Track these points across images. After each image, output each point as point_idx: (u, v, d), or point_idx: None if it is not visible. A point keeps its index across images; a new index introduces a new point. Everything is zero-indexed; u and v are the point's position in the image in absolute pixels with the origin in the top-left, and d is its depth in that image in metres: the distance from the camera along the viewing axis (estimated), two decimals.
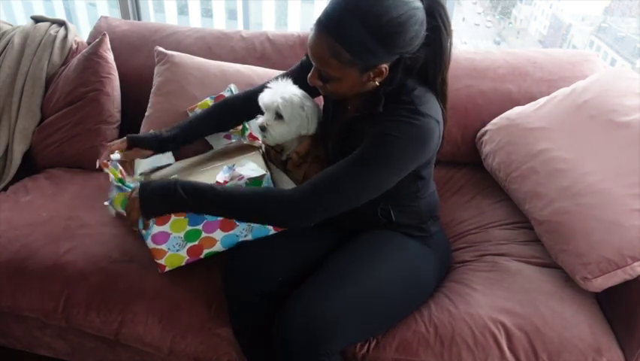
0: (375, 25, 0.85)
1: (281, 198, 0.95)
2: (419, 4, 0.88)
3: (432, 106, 0.95)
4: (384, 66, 0.91)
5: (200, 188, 0.96)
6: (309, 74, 0.97)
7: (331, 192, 0.93)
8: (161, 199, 0.95)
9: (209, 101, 1.41)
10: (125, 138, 1.15)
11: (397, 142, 0.91)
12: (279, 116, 1.10)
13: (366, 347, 1.02)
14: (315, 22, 0.90)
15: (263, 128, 1.12)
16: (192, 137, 1.21)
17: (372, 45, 0.86)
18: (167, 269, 1.08)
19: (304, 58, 1.16)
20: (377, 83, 0.94)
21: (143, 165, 1.20)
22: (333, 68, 0.91)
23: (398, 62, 0.93)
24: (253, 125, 1.23)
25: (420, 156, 0.96)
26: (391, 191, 0.96)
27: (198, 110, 1.37)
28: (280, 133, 1.12)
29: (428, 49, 0.93)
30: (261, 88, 1.15)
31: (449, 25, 0.94)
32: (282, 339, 0.92)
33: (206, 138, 1.31)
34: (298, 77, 1.13)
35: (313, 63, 0.94)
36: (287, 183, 1.11)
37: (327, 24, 0.88)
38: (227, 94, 1.42)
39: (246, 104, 1.20)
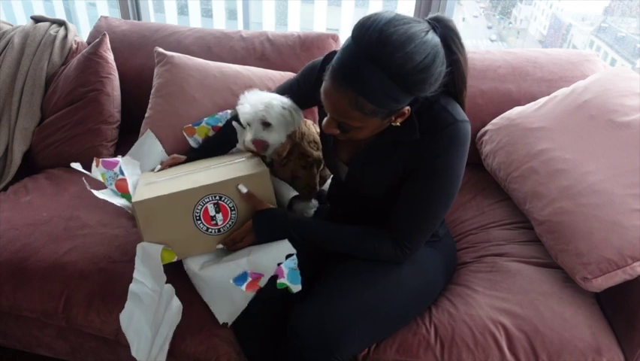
0: (400, 74, 0.79)
1: (389, 252, 1.01)
2: (437, 40, 0.82)
3: (456, 106, 0.94)
4: (407, 108, 0.88)
5: (311, 229, 1.05)
6: (325, 123, 0.92)
7: (426, 231, 1.00)
8: (273, 233, 1.04)
9: (205, 128, 1.40)
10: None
11: (457, 161, 0.94)
12: (266, 124, 1.09)
13: (366, 348, 1.02)
14: (329, 72, 0.84)
15: (260, 143, 1.10)
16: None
17: (397, 94, 0.81)
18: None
19: (298, 76, 1.16)
20: (398, 123, 0.91)
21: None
22: (354, 120, 0.86)
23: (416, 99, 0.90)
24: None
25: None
26: None
27: (198, 137, 1.41)
28: (274, 141, 1.11)
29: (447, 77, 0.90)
30: None
31: (464, 51, 0.91)
32: (293, 346, 0.91)
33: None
34: (296, 94, 1.14)
35: (330, 115, 0.90)
36: (287, 189, 1.12)
37: (345, 75, 0.81)
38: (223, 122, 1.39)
39: None
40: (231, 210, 1.05)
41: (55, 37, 1.69)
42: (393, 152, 0.97)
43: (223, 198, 1.04)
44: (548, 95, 1.39)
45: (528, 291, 1.08)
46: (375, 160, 1.01)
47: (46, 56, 1.66)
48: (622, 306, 1.05)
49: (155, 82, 1.52)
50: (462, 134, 0.92)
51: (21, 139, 1.60)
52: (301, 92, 1.13)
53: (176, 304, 1.06)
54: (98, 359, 1.28)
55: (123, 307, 1.12)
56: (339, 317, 0.93)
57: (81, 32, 1.86)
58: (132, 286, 1.05)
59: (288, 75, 1.52)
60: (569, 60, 1.53)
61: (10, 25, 1.80)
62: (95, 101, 1.57)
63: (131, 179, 1.17)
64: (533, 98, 1.43)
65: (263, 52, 1.64)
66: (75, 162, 1.57)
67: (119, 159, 1.19)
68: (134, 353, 1.04)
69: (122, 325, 1.05)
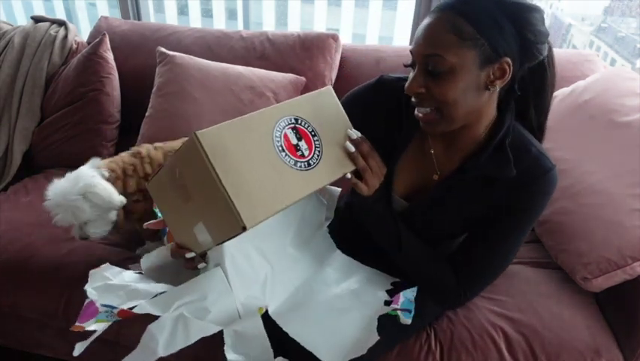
0: (508, 2, 0.72)
1: (449, 290, 0.90)
2: None
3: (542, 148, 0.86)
4: (508, 60, 0.74)
5: (399, 240, 0.89)
6: (409, 83, 0.78)
7: (492, 279, 0.91)
8: (374, 219, 0.89)
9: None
10: None
11: (544, 207, 0.86)
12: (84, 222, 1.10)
13: None
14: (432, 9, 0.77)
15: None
16: None
17: (502, 21, 0.72)
18: None
19: None
20: (497, 87, 0.76)
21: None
22: (449, 49, 0.72)
23: (517, 71, 0.78)
24: None
25: None
26: None
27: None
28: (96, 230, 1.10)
29: (529, 87, 0.83)
30: None
31: (553, 67, 0.85)
32: None
33: None
34: None
35: (420, 54, 0.76)
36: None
37: (449, 2, 0.74)
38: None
39: None
40: (313, 137, 0.83)
41: (55, 37, 1.69)
42: (479, 190, 0.85)
43: (300, 122, 0.82)
44: None
45: (526, 293, 1.08)
46: (453, 197, 0.88)
47: (46, 56, 1.66)
48: (621, 306, 1.05)
49: (157, 81, 1.52)
50: (556, 180, 0.85)
51: (21, 139, 1.61)
52: None
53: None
54: (98, 359, 1.28)
55: None
56: None
57: (81, 32, 1.86)
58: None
59: (290, 77, 1.52)
60: (569, 60, 1.53)
61: (10, 25, 1.80)
62: (95, 101, 1.57)
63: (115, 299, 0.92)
64: None
65: (263, 52, 1.64)
66: (75, 161, 1.55)
67: (92, 299, 0.93)
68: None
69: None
